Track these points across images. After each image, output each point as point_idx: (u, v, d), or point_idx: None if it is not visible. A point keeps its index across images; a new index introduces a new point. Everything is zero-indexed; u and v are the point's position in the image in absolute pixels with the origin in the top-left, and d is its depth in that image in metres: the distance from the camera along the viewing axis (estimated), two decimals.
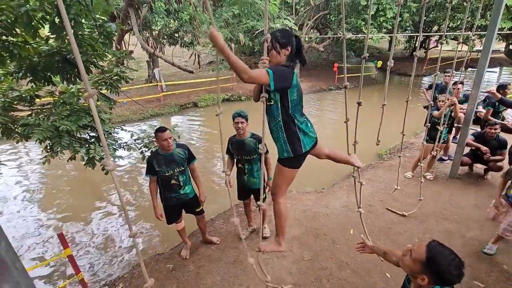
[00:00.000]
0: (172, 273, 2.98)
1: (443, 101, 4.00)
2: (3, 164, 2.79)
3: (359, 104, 2.12)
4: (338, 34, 14.50)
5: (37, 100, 2.79)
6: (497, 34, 3.67)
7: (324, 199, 4.22)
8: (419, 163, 3.71)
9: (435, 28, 18.46)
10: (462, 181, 4.50)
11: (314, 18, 13.67)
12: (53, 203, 4.87)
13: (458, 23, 14.42)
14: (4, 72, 2.61)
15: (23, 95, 2.67)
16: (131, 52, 9.87)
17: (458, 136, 4.81)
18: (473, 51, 17.79)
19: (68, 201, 4.92)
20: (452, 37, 16.03)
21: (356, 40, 17.33)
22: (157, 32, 11.35)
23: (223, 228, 3.66)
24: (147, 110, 9.74)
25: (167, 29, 10.97)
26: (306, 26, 13.45)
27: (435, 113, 4.14)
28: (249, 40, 11.79)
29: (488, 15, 12.28)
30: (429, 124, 3.54)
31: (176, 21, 10.13)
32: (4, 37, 2.21)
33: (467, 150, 4.52)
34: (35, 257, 3.64)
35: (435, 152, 4.06)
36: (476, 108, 4.70)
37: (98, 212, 4.53)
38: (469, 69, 15.14)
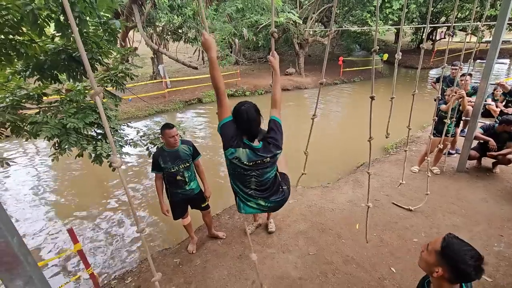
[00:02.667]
0: (179, 267, 3.02)
1: (450, 94, 3.94)
2: (13, 162, 2.85)
3: (372, 98, 2.05)
4: (344, 27, 14.29)
5: (44, 98, 2.83)
6: (507, 24, 3.57)
7: (329, 194, 4.22)
8: (426, 157, 3.67)
9: (443, 19, 18.05)
10: (469, 175, 4.45)
11: (319, 11, 13.44)
12: (62, 199, 4.97)
13: (467, 13, 14.08)
14: (11, 71, 2.64)
15: (31, 94, 2.70)
16: (136, 49, 9.89)
17: (466, 130, 4.74)
18: (482, 42, 17.35)
19: (76, 197, 5.01)
20: (461, 28, 15.66)
21: (361, 33, 17.07)
22: (161, 28, 11.34)
23: (229, 223, 3.69)
24: (152, 106, 9.79)
25: (171, 25, 10.93)
26: (311, 19, 13.26)
27: (443, 106, 4.08)
28: (253, 34, 11.70)
29: (498, 5, 11.94)
30: (437, 118, 3.49)
31: (180, 16, 10.09)
32: (10, 36, 2.23)
33: (475, 143, 4.45)
34: (46, 252, 3.73)
35: (441, 146, 4.01)
36: (485, 101, 4.61)
37: (106, 207, 4.61)
38: (478, 60, 14.81)
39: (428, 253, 1.31)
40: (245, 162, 1.64)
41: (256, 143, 1.67)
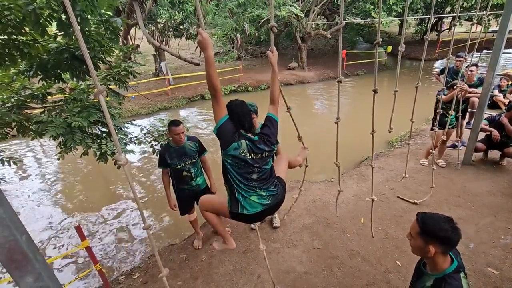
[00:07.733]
0: (185, 262, 3.06)
1: (453, 86, 3.88)
2: (19, 161, 2.89)
3: (375, 91, 2.03)
4: (346, 19, 14.09)
5: (48, 97, 2.85)
6: None
7: (333, 188, 4.21)
8: (431, 151, 3.65)
9: (448, 9, 17.71)
10: (476, 168, 4.40)
11: (321, 3, 13.26)
12: (70, 197, 5.03)
13: (473, 2, 13.78)
14: (15, 71, 2.66)
15: (35, 93, 2.73)
16: (138, 46, 9.88)
17: (471, 122, 4.67)
18: (488, 32, 16.99)
19: (83, 194, 5.07)
20: (466, 18, 15.36)
21: (364, 25, 16.84)
22: (162, 25, 11.30)
23: None
24: (155, 104, 9.82)
25: (172, 21, 10.90)
26: (313, 12, 13.09)
27: (443, 97, 4.02)
28: (254, 29, 11.60)
29: None
30: (441, 110, 3.45)
31: (181, 13, 10.05)
32: (13, 36, 2.24)
33: (482, 136, 4.39)
34: (55, 249, 3.80)
35: (445, 137, 3.97)
36: (492, 92, 4.54)
37: (113, 204, 4.66)
38: (484, 51, 14.54)
39: (414, 239, 1.41)
40: (248, 154, 1.71)
41: (253, 136, 1.75)
